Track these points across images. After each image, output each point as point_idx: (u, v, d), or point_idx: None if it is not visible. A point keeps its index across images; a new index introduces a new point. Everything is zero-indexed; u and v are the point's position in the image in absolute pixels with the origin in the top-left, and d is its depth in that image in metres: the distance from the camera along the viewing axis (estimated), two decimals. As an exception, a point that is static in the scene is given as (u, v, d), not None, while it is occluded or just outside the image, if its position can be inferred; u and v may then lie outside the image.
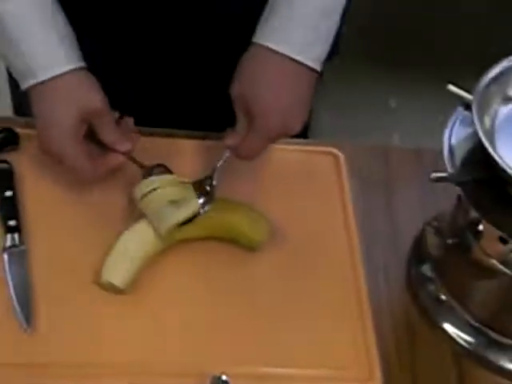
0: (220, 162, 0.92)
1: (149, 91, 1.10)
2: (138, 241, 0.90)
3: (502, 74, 0.88)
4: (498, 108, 0.88)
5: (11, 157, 0.97)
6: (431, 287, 0.97)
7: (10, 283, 0.87)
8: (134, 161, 0.93)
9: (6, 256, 0.89)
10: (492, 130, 0.86)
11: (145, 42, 1.05)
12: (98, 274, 0.89)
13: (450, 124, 0.90)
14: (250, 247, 0.94)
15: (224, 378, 0.83)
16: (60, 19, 0.89)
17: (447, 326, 0.95)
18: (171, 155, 0.99)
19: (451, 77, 0.92)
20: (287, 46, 0.85)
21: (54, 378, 0.82)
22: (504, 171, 0.80)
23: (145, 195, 0.90)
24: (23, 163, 0.97)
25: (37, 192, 0.95)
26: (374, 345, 0.89)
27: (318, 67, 0.88)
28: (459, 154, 0.87)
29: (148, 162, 0.94)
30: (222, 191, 0.93)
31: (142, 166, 0.93)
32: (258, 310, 0.91)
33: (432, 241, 0.98)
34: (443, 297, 0.96)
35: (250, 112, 0.87)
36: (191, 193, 0.90)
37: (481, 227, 0.88)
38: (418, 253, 1.00)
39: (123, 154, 0.91)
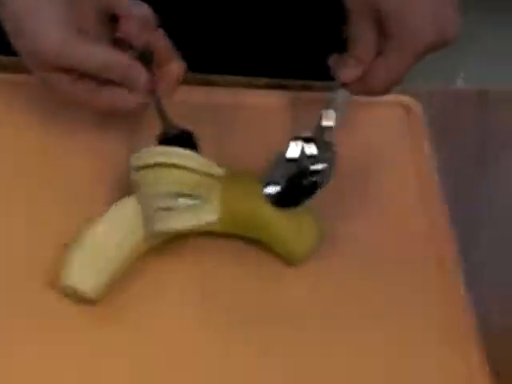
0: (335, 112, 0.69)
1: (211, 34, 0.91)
2: (119, 230, 0.65)
3: None
4: None
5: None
6: None
7: None
8: (160, 110, 0.71)
9: None
10: None
11: None
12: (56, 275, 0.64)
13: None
14: (287, 259, 0.69)
15: None
16: None
17: None
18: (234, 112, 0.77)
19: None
20: None
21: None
22: None
23: (143, 168, 0.66)
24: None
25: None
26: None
27: None
28: None
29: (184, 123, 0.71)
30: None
31: (167, 124, 0.71)
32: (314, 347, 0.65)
33: None
34: None
35: (384, 21, 0.67)
36: (215, 191, 0.66)
37: None
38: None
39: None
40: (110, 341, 0.63)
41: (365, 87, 0.69)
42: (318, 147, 0.69)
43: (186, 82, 0.72)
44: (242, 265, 0.68)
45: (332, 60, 0.70)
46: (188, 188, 0.65)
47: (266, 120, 0.78)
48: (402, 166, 0.78)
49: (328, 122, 0.69)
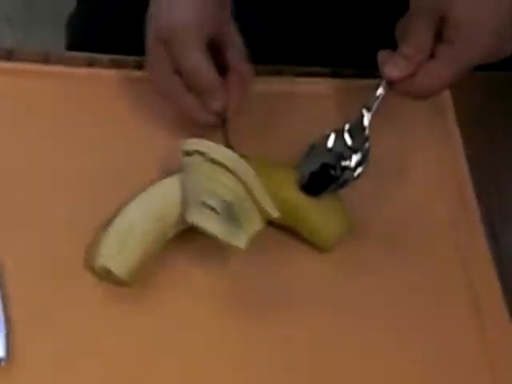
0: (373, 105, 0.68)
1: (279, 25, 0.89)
2: (155, 209, 0.66)
3: None
4: None
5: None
6: None
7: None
8: (224, 131, 0.70)
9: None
10: None
11: None
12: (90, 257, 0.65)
13: None
14: (316, 245, 0.70)
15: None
16: None
17: None
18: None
19: None
20: None
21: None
22: None
23: (202, 155, 0.65)
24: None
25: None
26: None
27: None
28: None
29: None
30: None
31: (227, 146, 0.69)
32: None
33: None
34: None
35: (448, 27, 0.65)
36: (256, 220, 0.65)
37: None
38: None
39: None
40: (142, 324, 0.64)
41: (411, 89, 0.67)
42: (355, 140, 0.68)
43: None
44: (270, 251, 0.68)
45: (380, 56, 0.68)
46: (238, 203, 0.64)
47: (320, 107, 0.77)
48: (426, 155, 0.78)
49: (367, 117, 0.68)
